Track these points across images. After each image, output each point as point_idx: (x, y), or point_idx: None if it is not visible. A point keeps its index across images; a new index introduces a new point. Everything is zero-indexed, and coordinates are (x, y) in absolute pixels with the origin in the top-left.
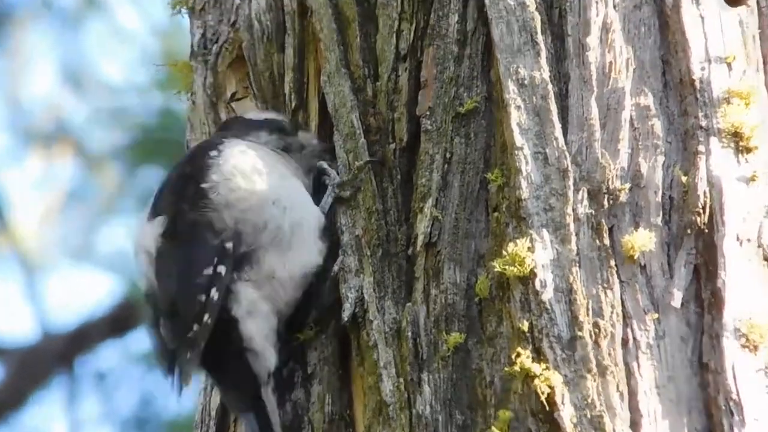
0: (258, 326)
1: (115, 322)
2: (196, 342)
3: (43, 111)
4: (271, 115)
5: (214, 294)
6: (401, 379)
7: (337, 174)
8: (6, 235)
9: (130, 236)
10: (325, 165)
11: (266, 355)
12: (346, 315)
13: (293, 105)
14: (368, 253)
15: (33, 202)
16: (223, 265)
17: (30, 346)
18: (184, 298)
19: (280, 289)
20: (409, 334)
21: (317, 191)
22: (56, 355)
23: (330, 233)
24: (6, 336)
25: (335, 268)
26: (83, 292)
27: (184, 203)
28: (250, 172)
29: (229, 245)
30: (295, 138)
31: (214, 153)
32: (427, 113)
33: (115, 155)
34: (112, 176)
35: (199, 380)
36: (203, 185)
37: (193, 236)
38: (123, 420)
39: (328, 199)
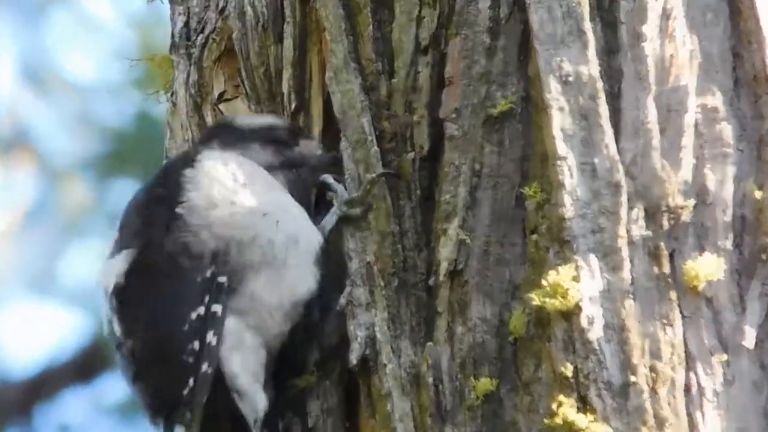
0: (244, 362)
1: (83, 366)
2: (195, 399)
3: None
4: (266, 120)
5: (212, 339)
6: None
7: (345, 189)
8: None
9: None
10: (330, 179)
11: (255, 396)
12: (354, 357)
13: (292, 107)
14: (381, 284)
15: None
16: (219, 303)
17: None
18: (171, 349)
19: (268, 318)
20: (430, 380)
21: (320, 211)
22: (12, 405)
23: (329, 260)
24: None
25: (342, 300)
26: (44, 330)
27: (153, 231)
28: (232, 182)
29: (222, 279)
30: (294, 149)
31: (188, 170)
32: (453, 116)
33: (82, 167)
34: (79, 192)
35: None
36: (177, 209)
37: (169, 271)
38: None
39: (332, 218)
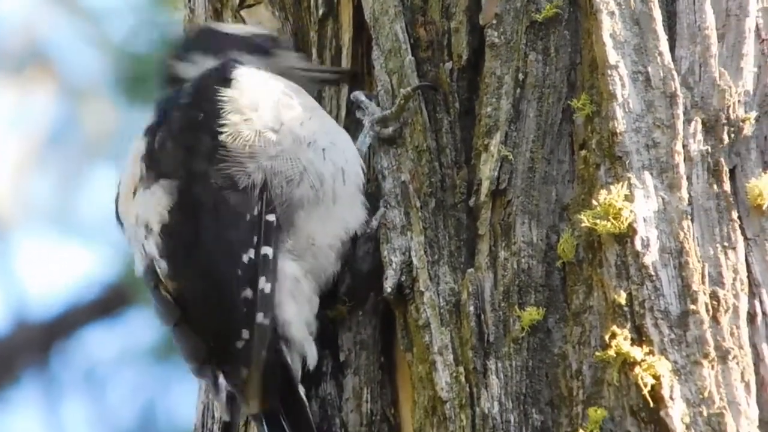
0: (299, 309)
1: (107, 303)
2: (252, 352)
3: (13, 30)
4: (254, 29)
5: (264, 285)
6: (461, 369)
7: (378, 106)
8: None
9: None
10: (361, 96)
11: (305, 346)
12: (389, 285)
13: (320, 13)
14: (417, 205)
15: None
16: (269, 245)
17: None
18: (223, 296)
19: (324, 260)
20: (471, 309)
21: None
22: (30, 347)
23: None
24: None
25: (374, 222)
26: (66, 266)
27: (197, 162)
28: (275, 106)
29: (271, 218)
30: (278, 59)
31: (225, 90)
32: (494, 22)
33: (105, 88)
34: (102, 114)
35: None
36: (220, 136)
37: (218, 207)
38: (117, 428)
39: (365, 140)
